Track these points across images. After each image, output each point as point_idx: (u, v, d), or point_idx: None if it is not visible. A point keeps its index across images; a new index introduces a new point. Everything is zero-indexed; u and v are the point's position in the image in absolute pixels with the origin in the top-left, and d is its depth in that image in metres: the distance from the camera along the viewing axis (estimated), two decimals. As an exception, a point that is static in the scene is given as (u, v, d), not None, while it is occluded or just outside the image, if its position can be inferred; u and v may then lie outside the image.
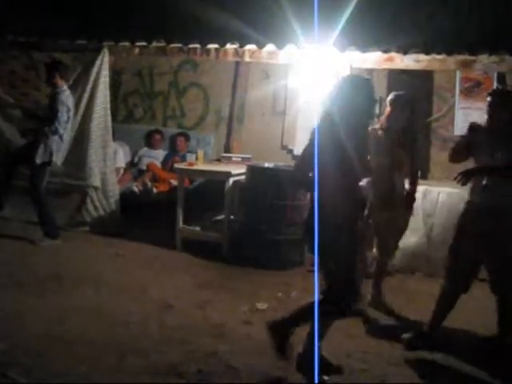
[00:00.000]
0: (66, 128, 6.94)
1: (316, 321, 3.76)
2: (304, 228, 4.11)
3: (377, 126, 5.31)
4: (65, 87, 6.92)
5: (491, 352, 4.49)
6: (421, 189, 6.35)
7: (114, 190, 7.56)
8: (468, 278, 4.54)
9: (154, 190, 8.05)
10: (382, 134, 5.27)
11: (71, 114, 6.96)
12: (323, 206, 3.72)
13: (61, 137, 6.86)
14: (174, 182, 7.73)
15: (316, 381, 3.77)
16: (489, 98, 4.56)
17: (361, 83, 4.03)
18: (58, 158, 6.94)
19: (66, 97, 6.87)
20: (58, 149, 6.90)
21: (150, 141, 8.81)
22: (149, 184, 8.09)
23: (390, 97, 5.41)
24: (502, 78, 7.35)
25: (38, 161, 6.79)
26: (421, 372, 4.23)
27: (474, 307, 5.15)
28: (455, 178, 4.31)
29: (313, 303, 3.87)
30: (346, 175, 3.77)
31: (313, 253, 3.85)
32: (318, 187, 3.75)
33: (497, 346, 4.54)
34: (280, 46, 6.39)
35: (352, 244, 3.84)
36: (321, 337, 3.90)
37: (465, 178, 4.28)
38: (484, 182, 4.39)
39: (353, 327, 4.80)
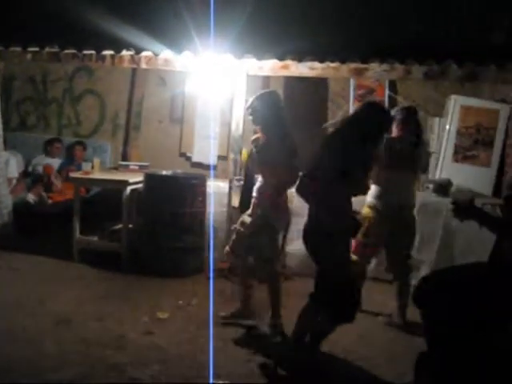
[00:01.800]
0: None
1: None
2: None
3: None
4: None
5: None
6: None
7: (7, 201, 7.29)
8: None
9: (50, 201, 7.82)
10: None
11: None
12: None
13: None
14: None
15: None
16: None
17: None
18: None
19: None
20: None
21: (49, 149, 8.54)
22: (44, 194, 7.85)
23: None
24: (393, 85, 7.64)
25: None
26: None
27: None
28: None
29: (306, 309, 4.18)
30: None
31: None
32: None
33: None
34: (177, 52, 6.37)
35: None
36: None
37: None
38: None
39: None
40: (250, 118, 4.96)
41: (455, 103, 7.13)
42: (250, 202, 4.93)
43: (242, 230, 4.96)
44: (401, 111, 5.43)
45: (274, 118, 4.81)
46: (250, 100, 4.96)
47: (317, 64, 6.30)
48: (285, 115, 4.90)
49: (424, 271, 5.99)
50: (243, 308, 5.21)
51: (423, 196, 6.58)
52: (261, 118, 4.86)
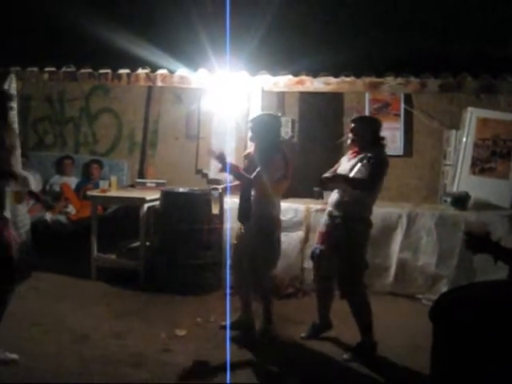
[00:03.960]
0: None
1: None
2: None
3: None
4: None
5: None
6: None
7: (25, 221, 7.30)
8: None
9: (67, 219, 7.85)
10: None
11: None
12: None
13: None
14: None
15: None
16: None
17: None
18: None
19: None
20: None
21: (60, 167, 8.61)
22: (65, 212, 7.90)
23: None
24: (408, 99, 7.63)
25: None
26: None
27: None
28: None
29: None
30: None
31: None
32: None
33: None
34: (192, 70, 6.40)
35: None
36: None
37: None
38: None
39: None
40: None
41: (471, 115, 7.09)
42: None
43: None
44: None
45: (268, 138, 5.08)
46: (254, 116, 5.37)
47: (332, 79, 6.30)
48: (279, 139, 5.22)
49: (443, 287, 5.92)
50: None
51: (441, 209, 6.53)
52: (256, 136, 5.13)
